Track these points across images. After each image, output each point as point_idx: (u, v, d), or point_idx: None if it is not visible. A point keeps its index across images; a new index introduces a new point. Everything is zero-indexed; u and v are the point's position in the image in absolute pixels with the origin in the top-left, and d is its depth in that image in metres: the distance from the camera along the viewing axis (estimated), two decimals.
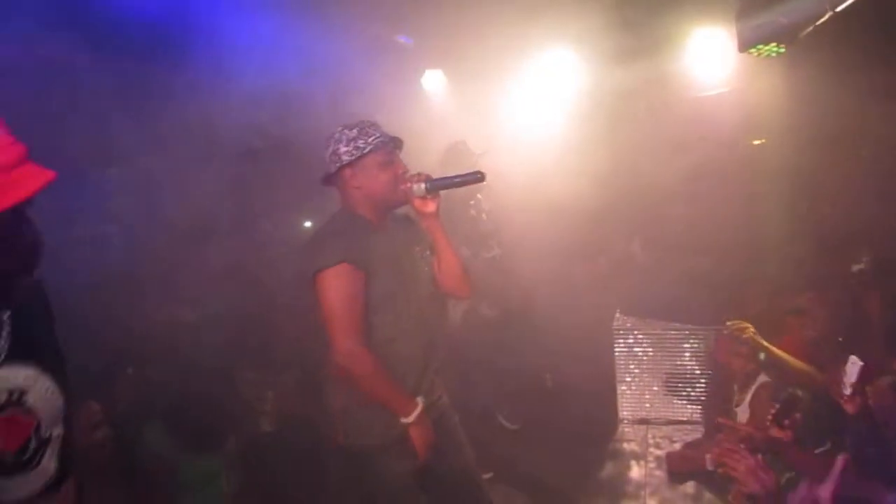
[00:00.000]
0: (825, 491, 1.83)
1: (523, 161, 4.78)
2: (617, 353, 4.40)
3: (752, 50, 4.28)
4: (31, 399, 1.39)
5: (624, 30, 4.70)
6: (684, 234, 4.88)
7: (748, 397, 3.30)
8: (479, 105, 5.52)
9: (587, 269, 5.23)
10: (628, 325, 4.40)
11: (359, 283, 2.26)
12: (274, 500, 3.13)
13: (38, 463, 1.41)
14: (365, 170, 2.36)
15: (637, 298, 4.51)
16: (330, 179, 2.43)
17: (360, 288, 2.26)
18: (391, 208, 2.46)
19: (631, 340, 4.39)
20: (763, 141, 5.38)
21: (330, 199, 2.53)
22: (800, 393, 2.61)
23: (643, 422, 4.32)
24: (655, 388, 4.36)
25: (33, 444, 1.40)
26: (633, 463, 3.89)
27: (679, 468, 3.67)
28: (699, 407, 4.22)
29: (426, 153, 3.83)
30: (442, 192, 2.40)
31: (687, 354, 4.29)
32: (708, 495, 3.39)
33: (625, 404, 4.40)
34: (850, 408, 2.29)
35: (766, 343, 3.21)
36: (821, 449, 2.49)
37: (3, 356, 1.36)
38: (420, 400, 2.34)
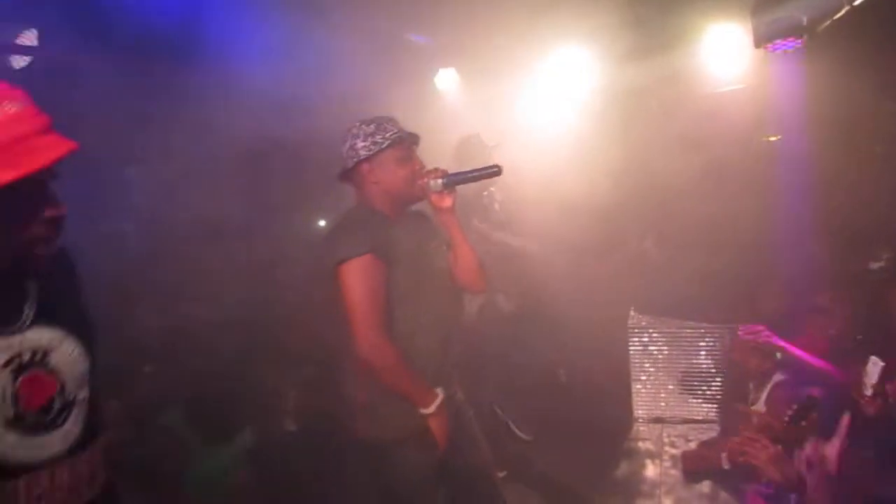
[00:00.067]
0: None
1: (536, 158, 4.76)
2: (632, 352, 4.37)
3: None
4: (54, 360, 1.40)
5: (637, 27, 4.68)
6: (698, 232, 4.84)
7: (764, 396, 3.27)
8: (492, 103, 5.49)
9: (600, 266, 5.21)
10: (643, 323, 4.36)
11: (382, 276, 2.25)
12: (291, 494, 3.13)
13: (62, 424, 1.40)
14: (382, 165, 2.36)
15: (651, 296, 4.48)
16: (347, 175, 2.43)
17: (383, 280, 2.26)
18: (408, 204, 2.46)
19: (646, 338, 4.36)
20: (778, 138, 5.34)
21: (343, 198, 2.54)
22: (817, 395, 2.59)
23: (658, 420, 4.28)
24: (671, 387, 4.32)
25: (57, 405, 1.40)
26: (648, 462, 3.86)
27: (694, 467, 3.64)
28: (715, 406, 4.18)
29: (440, 151, 3.83)
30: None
31: (702, 353, 4.24)
32: (724, 495, 3.35)
33: (640, 403, 4.36)
34: (870, 409, 2.27)
35: (781, 343, 3.18)
36: None
37: (28, 322, 1.37)
38: (440, 391, 2.34)
